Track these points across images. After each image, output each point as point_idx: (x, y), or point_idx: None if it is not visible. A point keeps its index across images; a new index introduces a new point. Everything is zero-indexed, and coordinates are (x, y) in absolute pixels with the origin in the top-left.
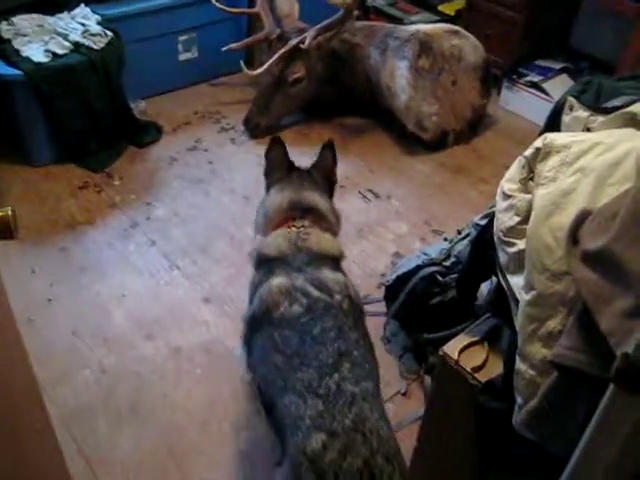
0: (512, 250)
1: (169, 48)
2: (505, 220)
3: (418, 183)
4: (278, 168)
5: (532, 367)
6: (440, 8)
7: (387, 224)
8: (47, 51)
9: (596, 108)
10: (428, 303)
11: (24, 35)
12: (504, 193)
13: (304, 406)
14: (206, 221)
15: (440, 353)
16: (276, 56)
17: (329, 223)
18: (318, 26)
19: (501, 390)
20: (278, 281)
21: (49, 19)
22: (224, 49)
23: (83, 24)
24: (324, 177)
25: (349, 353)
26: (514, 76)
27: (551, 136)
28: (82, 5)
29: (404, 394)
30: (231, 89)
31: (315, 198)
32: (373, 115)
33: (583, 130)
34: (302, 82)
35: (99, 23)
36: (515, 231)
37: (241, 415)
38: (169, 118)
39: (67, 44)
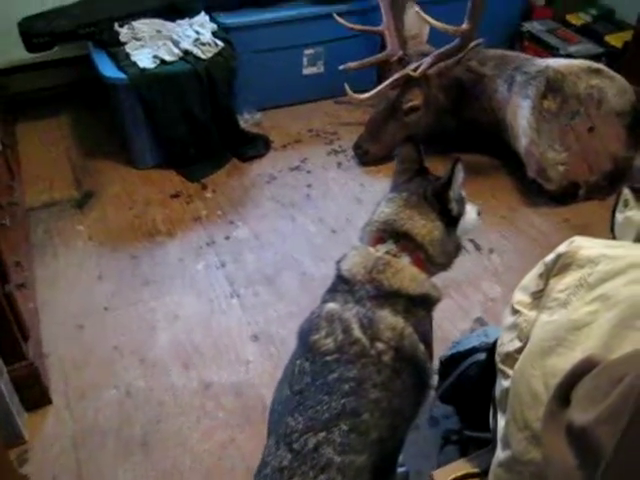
0: (505, 384)
1: (293, 61)
2: (505, 342)
3: (529, 239)
4: (405, 169)
5: None
6: (607, 38)
7: (479, 283)
8: (155, 57)
9: None
10: (478, 393)
11: (139, 39)
12: (512, 306)
13: (274, 453)
14: (283, 249)
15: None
16: (388, 81)
17: (428, 255)
18: (436, 52)
19: None
20: (331, 307)
21: (168, 25)
22: (341, 68)
23: (198, 32)
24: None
25: (355, 414)
26: None
27: (579, 241)
28: (202, 13)
29: None
30: (356, 109)
31: (417, 222)
32: (497, 154)
33: (636, 238)
34: (418, 111)
35: (215, 32)
36: (513, 360)
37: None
38: (282, 133)
39: (177, 51)
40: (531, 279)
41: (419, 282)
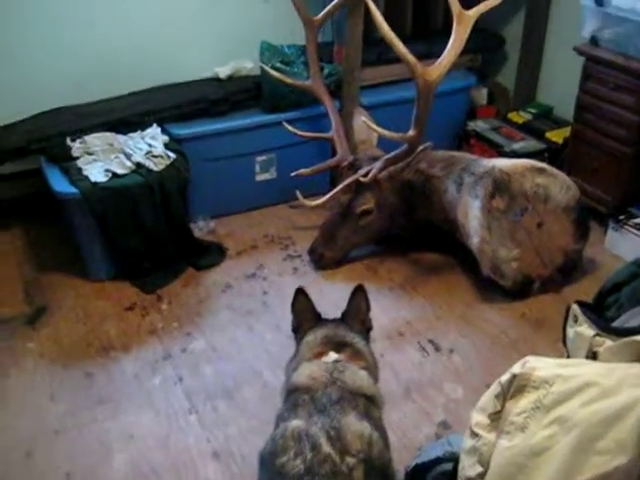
0: None
1: (246, 168)
2: (466, 466)
3: (489, 336)
4: (307, 319)
5: None
6: (548, 135)
7: (441, 385)
8: (107, 171)
9: (604, 327)
10: None
11: (91, 154)
12: (471, 428)
13: None
14: (242, 360)
15: None
16: (340, 186)
17: (367, 362)
18: (385, 157)
19: None
20: (296, 424)
21: (120, 138)
22: (293, 174)
23: (150, 144)
24: (358, 322)
25: None
26: (622, 216)
27: (533, 362)
28: (154, 125)
29: None
30: (310, 213)
31: (351, 335)
32: (452, 252)
33: (588, 354)
34: (371, 214)
35: (167, 144)
36: None
37: None
38: (237, 240)
39: (129, 164)
40: (488, 400)
41: (370, 383)
